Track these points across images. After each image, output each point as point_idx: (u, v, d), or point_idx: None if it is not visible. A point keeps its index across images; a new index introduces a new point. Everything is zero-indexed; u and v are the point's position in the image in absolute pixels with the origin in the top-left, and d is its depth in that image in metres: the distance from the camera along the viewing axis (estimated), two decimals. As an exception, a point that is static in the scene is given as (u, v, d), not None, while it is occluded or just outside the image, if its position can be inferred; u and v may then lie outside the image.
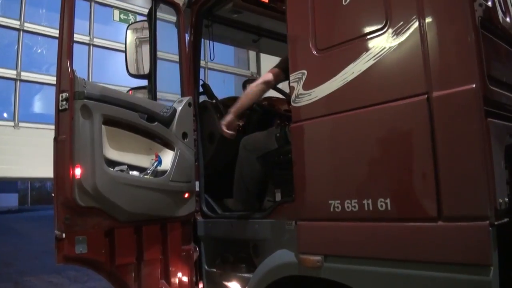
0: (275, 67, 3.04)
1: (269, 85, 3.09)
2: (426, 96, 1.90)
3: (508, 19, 2.27)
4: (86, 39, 16.33)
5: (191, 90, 3.55)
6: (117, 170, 2.87)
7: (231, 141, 3.27)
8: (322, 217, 2.28)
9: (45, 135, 13.61)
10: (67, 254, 2.62)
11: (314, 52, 2.40)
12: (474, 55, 1.81)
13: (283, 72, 2.92)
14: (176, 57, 3.63)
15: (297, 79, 2.45)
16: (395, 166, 2.02)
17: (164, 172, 3.11)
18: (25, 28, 15.27)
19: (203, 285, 3.34)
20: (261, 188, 3.36)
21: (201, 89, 3.73)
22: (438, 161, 1.84)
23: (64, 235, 2.59)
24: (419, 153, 1.92)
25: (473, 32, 1.82)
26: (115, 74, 15.14)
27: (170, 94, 3.83)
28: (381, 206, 2.01)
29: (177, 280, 3.22)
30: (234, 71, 17.76)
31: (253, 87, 3.06)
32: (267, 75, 3.00)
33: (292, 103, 2.48)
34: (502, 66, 2.15)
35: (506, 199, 1.83)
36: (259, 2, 3.81)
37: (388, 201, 1.99)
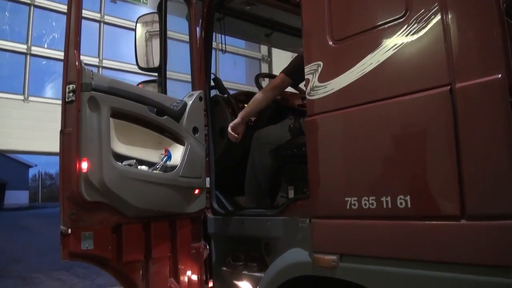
0: (282, 71, 3.06)
1: (275, 91, 3.17)
2: (448, 87, 1.80)
3: None
4: (97, 16, 16.38)
5: (202, 84, 3.47)
6: (125, 165, 2.80)
7: (243, 136, 3.20)
8: (338, 214, 2.20)
9: (55, 110, 13.68)
10: (73, 250, 2.56)
11: (330, 43, 2.31)
12: (499, 44, 1.71)
13: (289, 76, 2.96)
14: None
15: (313, 71, 2.37)
16: (415, 161, 1.92)
17: (173, 167, 3.04)
18: (36, 3, 15.26)
19: (213, 284, 3.28)
20: (273, 184, 3.29)
21: (212, 83, 3.66)
22: (461, 156, 1.75)
23: (69, 231, 2.52)
24: (441, 147, 1.83)
25: (498, 20, 1.73)
26: (126, 52, 15.30)
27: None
28: (401, 203, 1.92)
29: (186, 279, 3.14)
30: (245, 53, 17.73)
31: (261, 94, 3.17)
32: (274, 81, 3.10)
33: (307, 96, 2.39)
34: None
35: None
36: None
37: (408, 198, 1.90)
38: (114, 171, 2.66)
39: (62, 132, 2.63)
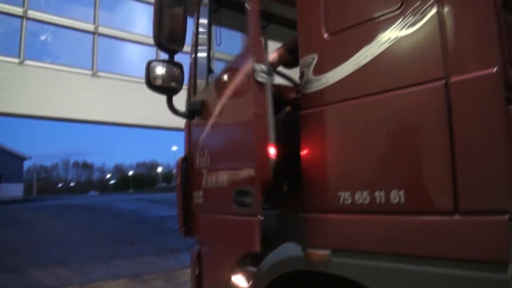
0: (282, 47, 2.96)
1: (272, 66, 3.01)
2: (443, 81, 1.78)
3: None
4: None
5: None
6: None
7: None
8: (331, 209, 2.18)
9: (53, 75, 13.51)
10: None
11: (326, 35, 2.29)
12: (495, 37, 1.70)
13: (288, 53, 2.86)
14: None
15: (307, 64, 2.34)
16: (410, 155, 1.90)
17: None
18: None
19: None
20: None
21: None
22: (455, 151, 1.73)
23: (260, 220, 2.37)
24: (436, 142, 1.81)
25: (494, 13, 1.71)
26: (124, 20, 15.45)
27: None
28: (394, 198, 1.90)
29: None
30: (241, 25, 17.71)
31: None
32: (271, 56, 2.91)
33: (302, 89, 2.37)
34: None
35: None
36: None
37: (401, 193, 1.88)
38: None
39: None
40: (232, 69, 2.77)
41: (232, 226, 2.67)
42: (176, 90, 2.94)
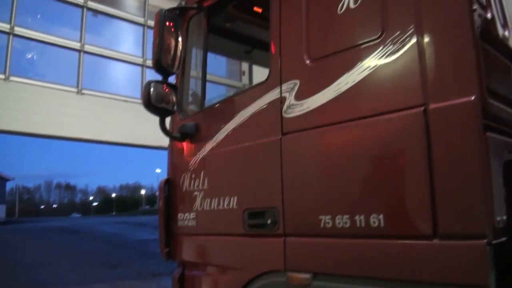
0: None
1: None
2: (422, 108, 1.82)
3: (507, 33, 2.22)
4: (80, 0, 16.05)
5: None
6: None
7: None
8: (312, 233, 2.19)
9: (38, 92, 13.46)
10: None
11: (307, 62, 2.32)
12: (473, 66, 1.74)
13: None
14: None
15: (289, 89, 2.37)
16: (389, 180, 1.93)
17: None
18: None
19: None
20: None
21: None
22: (434, 176, 1.76)
23: None
24: (415, 167, 1.84)
25: (472, 42, 1.76)
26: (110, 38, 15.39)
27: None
28: (374, 222, 1.92)
29: None
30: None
31: None
32: None
33: (283, 114, 2.39)
34: (501, 79, 2.09)
35: (504, 217, 1.75)
36: (253, 12, 3.75)
37: (381, 217, 1.90)
38: None
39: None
40: (247, 97, 2.77)
41: (252, 245, 2.60)
42: (171, 112, 3.00)
